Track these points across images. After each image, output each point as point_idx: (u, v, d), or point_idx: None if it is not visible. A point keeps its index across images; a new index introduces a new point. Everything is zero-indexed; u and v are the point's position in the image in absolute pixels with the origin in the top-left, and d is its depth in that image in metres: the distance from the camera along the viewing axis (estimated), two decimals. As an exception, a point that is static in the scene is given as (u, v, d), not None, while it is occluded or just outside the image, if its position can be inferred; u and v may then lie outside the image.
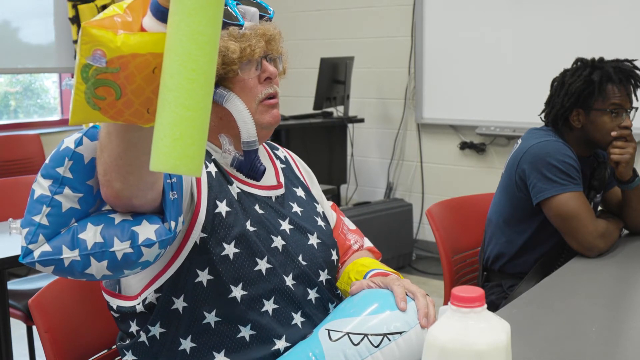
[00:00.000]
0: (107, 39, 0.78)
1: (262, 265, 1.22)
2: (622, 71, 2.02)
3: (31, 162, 4.45)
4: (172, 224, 1.04)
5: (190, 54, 0.75)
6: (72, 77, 0.87)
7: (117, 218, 1.02)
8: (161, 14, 0.79)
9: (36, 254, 1.00)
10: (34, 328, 2.38)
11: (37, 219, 1.00)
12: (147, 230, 1.01)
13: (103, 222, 1.01)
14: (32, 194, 1.02)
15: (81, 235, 0.99)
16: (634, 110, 2.07)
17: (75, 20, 4.70)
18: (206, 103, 0.76)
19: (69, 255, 0.99)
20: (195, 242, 1.17)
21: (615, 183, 2.19)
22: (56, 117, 5.06)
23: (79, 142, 1.01)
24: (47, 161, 1.03)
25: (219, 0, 0.76)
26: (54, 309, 1.35)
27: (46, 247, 1.00)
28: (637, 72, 2.04)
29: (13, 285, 2.60)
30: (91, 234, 0.99)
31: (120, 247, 1.00)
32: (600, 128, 2.02)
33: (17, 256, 2.06)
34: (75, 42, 4.74)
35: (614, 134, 2.00)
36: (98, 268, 1.00)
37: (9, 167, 4.26)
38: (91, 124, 1.00)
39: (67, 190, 1.00)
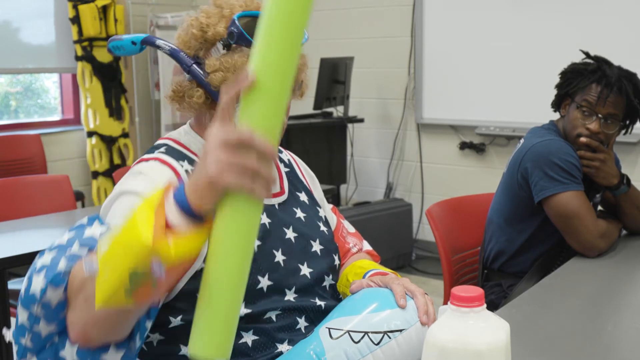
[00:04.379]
0: (165, 252, 0.81)
1: (264, 282, 1.21)
2: (607, 77, 2.00)
3: (31, 162, 4.46)
4: (134, 344, 1.05)
5: (235, 262, 0.85)
6: (92, 262, 0.92)
7: None
8: (195, 218, 0.83)
9: None
10: (34, 328, 2.38)
11: (22, 341, 1.06)
12: (114, 358, 1.03)
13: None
14: (17, 317, 1.07)
15: (62, 353, 1.03)
16: (621, 125, 2.03)
17: (76, 20, 4.70)
18: (241, 297, 0.88)
19: None
20: (197, 270, 1.16)
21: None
22: (56, 117, 5.07)
23: (44, 292, 1.02)
24: (23, 288, 1.05)
25: (257, 210, 0.85)
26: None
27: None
28: (623, 83, 1.98)
29: (13, 285, 2.60)
30: (69, 355, 1.03)
31: None
32: (570, 120, 2.04)
33: (18, 256, 2.07)
34: (75, 42, 4.73)
35: (583, 140, 2.00)
36: None
37: (9, 167, 4.27)
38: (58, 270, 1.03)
39: (42, 323, 1.04)
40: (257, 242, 1.22)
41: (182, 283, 1.16)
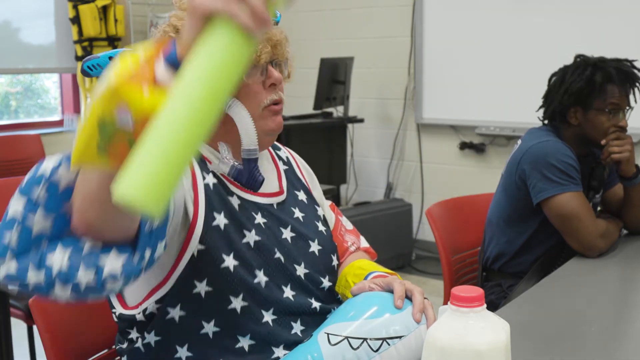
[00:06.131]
0: (136, 100, 0.75)
1: (261, 277, 1.21)
2: (623, 72, 2.03)
3: (31, 162, 4.44)
4: (137, 257, 0.99)
5: (200, 98, 0.73)
6: (74, 116, 0.86)
7: (86, 247, 0.97)
8: (179, 66, 0.77)
9: (1, 274, 0.95)
10: (35, 328, 2.38)
11: (7, 236, 0.95)
12: (113, 263, 0.96)
13: (71, 247, 0.96)
14: (7, 211, 0.98)
15: (48, 261, 0.95)
16: (630, 110, 2.08)
17: (76, 20, 4.70)
18: (195, 146, 0.74)
19: (33, 280, 0.95)
20: (193, 254, 1.16)
21: (614, 182, 2.20)
22: (56, 117, 5.07)
23: (57, 167, 0.97)
24: (26, 177, 0.98)
25: (239, 44, 0.75)
26: (55, 309, 1.35)
27: (12, 267, 0.95)
28: (636, 72, 2.05)
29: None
30: (58, 260, 0.95)
31: (84, 279, 0.95)
32: (598, 126, 2.03)
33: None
34: (75, 42, 4.74)
35: (604, 142, 2.02)
36: (62, 294, 0.96)
37: (9, 167, 4.26)
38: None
39: (40, 212, 0.96)
40: (255, 237, 1.22)
41: (178, 272, 1.16)
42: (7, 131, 4.59)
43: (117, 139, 0.78)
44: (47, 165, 0.97)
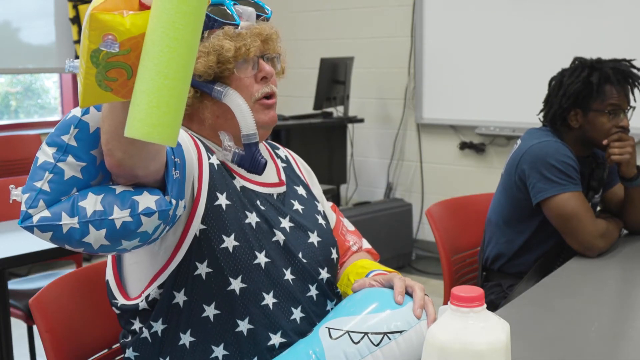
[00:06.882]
0: (116, 22, 0.77)
1: (261, 258, 1.23)
2: (620, 72, 2.02)
3: (31, 162, 4.44)
4: (173, 201, 1.04)
5: (173, 23, 0.76)
6: (73, 60, 0.88)
7: (119, 189, 1.02)
8: None
9: (35, 218, 0.99)
10: (35, 328, 2.38)
11: (38, 184, 1.00)
12: (147, 200, 1.01)
13: (104, 192, 1.01)
14: (35, 161, 1.02)
15: (81, 203, 0.99)
16: (631, 109, 2.08)
17: (76, 20, 4.71)
18: (186, 73, 0.77)
19: (67, 222, 0.98)
20: (195, 234, 1.18)
21: (614, 182, 2.20)
22: (56, 117, 5.07)
23: (85, 111, 1.01)
24: (53, 131, 1.03)
25: None
26: (55, 309, 1.36)
27: (45, 213, 0.99)
28: (635, 72, 2.05)
29: (14, 285, 2.60)
30: (91, 202, 0.99)
31: (120, 215, 0.99)
32: (599, 128, 2.03)
33: (18, 256, 2.06)
34: (75, 42, 4.74)
35: (605, 143, 2.02)
36: (96, 237, 0.99)
37: (9, 167, 4.26)
38: None
39: (70, 159, 1.00)
40: (257, 219, 1.24)
41: (182, 254, 1.17)
42: (7, 131, 4.58)
43: (110, 67, 0.80)
44: (76, 111, 1.01)
